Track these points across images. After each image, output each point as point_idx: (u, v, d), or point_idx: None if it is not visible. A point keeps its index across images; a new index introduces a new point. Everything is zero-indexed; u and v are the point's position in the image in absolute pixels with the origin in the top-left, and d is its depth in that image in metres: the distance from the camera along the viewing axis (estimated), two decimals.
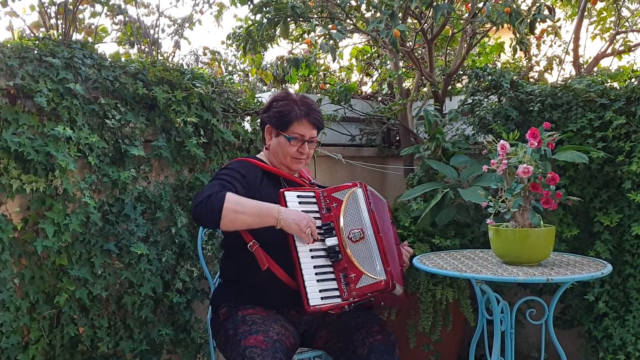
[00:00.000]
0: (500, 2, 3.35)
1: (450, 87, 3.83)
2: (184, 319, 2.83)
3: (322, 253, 2.20)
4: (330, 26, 3.22)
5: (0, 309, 2.32)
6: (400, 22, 3.14)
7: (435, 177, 3.35)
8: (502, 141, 2.34)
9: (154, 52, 3.43)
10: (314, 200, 2.28)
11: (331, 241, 2.20)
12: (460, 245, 3.18)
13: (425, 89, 4.11)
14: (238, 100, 3.16)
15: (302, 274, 2.16)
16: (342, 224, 2.22)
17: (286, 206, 2.22)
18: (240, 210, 2.13)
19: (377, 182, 4.04)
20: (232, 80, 3.48)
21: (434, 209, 3.08)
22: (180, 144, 2.84)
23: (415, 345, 3.15)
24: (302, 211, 2.22)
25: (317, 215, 2.25)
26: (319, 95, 3.87)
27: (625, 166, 2.95)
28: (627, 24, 4.06)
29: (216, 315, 2.34)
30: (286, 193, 2.24)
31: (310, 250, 2.20)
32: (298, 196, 2.26)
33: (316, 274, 2.17)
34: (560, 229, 3.10)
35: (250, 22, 3.65)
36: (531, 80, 4.04)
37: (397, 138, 4.10)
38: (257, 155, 2.49)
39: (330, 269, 2.19)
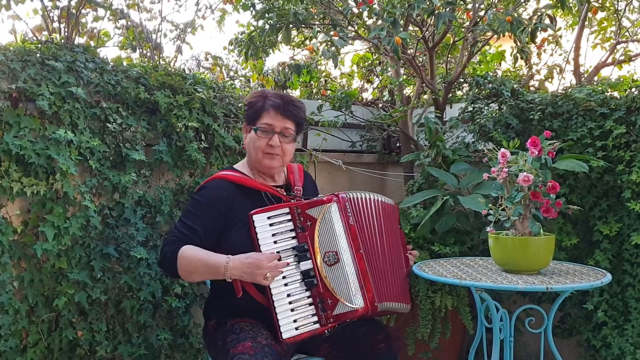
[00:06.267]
0: (502, 10, 3.36)
1: (450, 95, 3.84)
2: (182, 323, 2.83)
3: (297, 277, 2.10)
4: (332, 33, 3.22)
5: None
6: (401, 29, 3.14)
7: (435, 185, 3.36)
8: (502, 149, 2.34)
9: (156, 57, 3.44)
10: (289, 217, 2.14)
11: (305, 265, 2.10)
12: (459, 252, 3.17)
13: (425, 97, 4.12)
14: (239, 105, 3.16)
15: (274, 305, 2.07)
16: (317, 246, 2.11)
17: (255, 232, 2.08)
18: (192, 270, 2.10)
19: (377, 189, 4.04)
20: (233, 86, 3.49)
21: (434, 216, 3.08)
22: (181, 149, 2.84)
23: (414, 353, 3.14)
24: (275, 234, 2.10)
25: (293, 234, 2.13)
26: (320, 101, 3.88)
27: (625, 175, 2.96)
28: (627, 33, 4.08)
29: (207, 326, 2.34)
30: (255, 217, 2.10)
31: (284, 277, 2.09)
32: (269, 217, 2.12)
33: (290, 302, 2.08)
34: (559, 238, 3.10)
35: (252, 28, 3.66)
36: (532, 88, 4.05)
37: (398, 145, 4.10)
38: (236, 165, 2.39)
39: (307, 294, 2.10)
